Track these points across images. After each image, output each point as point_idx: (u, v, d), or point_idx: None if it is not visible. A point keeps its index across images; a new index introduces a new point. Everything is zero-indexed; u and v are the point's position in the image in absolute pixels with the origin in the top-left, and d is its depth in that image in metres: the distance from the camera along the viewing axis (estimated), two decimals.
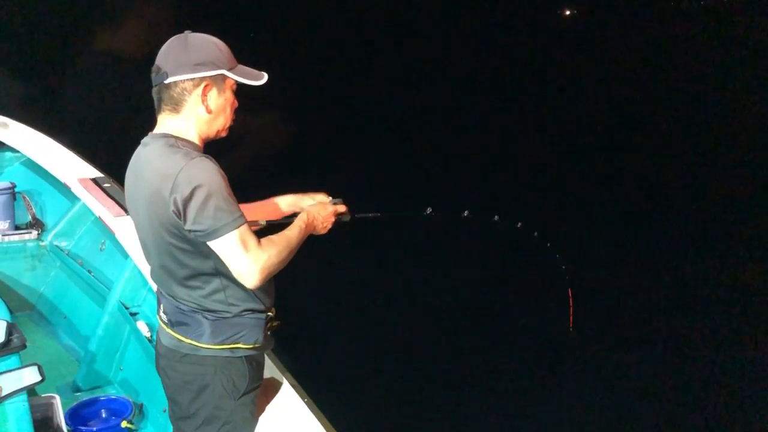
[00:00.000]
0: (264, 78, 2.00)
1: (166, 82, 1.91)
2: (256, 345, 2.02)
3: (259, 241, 1.85)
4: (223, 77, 1.95)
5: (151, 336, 3.21)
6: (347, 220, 2.23)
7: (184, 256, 1.90)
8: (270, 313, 2.06)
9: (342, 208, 2.22)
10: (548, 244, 2.70)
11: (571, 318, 2.79)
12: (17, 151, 4.96)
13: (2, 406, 2.12)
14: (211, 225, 1.78)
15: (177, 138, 1.93)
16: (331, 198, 2.24)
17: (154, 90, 1.96)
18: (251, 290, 1.96)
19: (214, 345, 1.97)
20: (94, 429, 3.03)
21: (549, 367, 5.88)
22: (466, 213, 2.45)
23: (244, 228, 1.82)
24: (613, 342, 6.41)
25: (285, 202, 2.33)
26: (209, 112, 1.95)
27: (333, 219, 2.18)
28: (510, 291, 7.18)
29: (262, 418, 2.15)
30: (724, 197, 10.83)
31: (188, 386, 2.02)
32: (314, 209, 2.15)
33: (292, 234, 1.98)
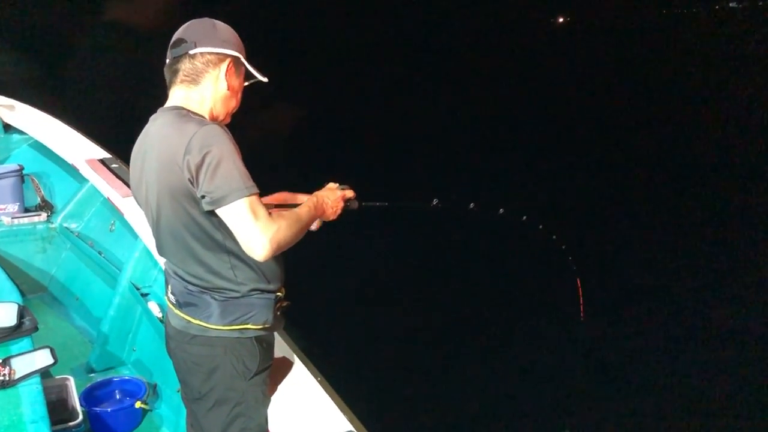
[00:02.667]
0: (266, 79, 2.07)
1: (191, 51, 1.93)
2: (266, 325, 2.00)
3: (269, 213, 1.81)
4: (241, 62, 2.01)
5: (162, 316, 3.20)
6: (355, 208, 2.22)
7: (196, 228, 1.88)
8: (279, 294, 2.04)
9: (350, 194, 2.21)
10: (554, 237, 2.70)
11: (581, 308, 2.77)
12: (24, 134, 4.94)
13: (15, 389, 2.12)
14: (220, 190, 1.75)
15: (188, 110, 1.93)
16: (338, 184, 2.22)
17: (171, 62, 1.97)
18: (260, 269, 1.94)
19: (223, 326, 1.95)
20: (109, 410, 3.04)
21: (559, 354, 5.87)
22: (471, 205, 2.43)
23: (255, 198, 1.78)
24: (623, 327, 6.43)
25: (296, 198, 2.30)
26: (229, 88, 1.98)
27: (342, 204, 2.16)
28: (519, 285, 7.17)
29: (275, 397, 2.14)
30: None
31: (198, 368, 2.01)
32: (323, 193, 2.14)
33: (301, 212, 1.95)
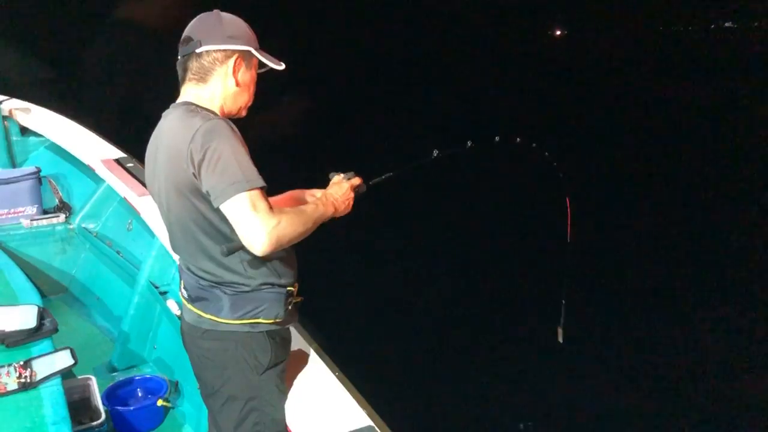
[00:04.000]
0: (282, 65, 2.03)
1: (197, 51, 1.93)
2: (277, 320, 1.98)
3: (271, 207, 1.78)
4: (251, 55, 1.99)
5: (181, 314, 3.21)
6: (364, 191, 2.18)
7: (205, 222, 1.87)
8: (292, 288, 2.02)
9: (357, 181, 2.17)
10: (546, 153, 2.70)
11: (569, 228, 2.74)
12: (41, 136, 4.97)
13: (37, 391, 2.13)
14: (221, 185, 1.74)
15: (198, 106, 1.93)
16: (342, 174, 2.18)
17: (181, 60, 1.98)
18: (271, 264, 1.93)
19: (234, 320, 1.94)
20: (131, 408, 3.06)
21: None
22: (469, 144, 2.44)
23: (257, 192, 1.75)
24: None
25: (307, 194, 2.27)
26: (238, 85, 1.98)
27: (352, 195, 2.13)
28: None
29: (293, 392, 2.13)
30: None
31: (211, 363, 2.01)
32: (331, 190, 2.11)
33: (307, 209, 1.92)
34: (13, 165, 4.96)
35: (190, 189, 1.83)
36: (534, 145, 2.64)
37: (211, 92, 1.96)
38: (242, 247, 1.81)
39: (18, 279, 3.10)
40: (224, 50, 1.94)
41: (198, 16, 1.99)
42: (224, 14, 1.99)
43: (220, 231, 1.87)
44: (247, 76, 2.00)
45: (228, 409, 2.01)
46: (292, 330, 2.31)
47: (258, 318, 1.95)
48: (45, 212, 4.42)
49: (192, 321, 2.03)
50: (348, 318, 5.87)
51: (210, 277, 1.94)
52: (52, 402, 2.08)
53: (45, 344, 2.41)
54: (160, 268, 3.53)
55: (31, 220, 4.30)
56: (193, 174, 1.78)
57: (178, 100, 1.99)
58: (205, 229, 1.89)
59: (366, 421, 2.05)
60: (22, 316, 2.50)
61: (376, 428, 2.02)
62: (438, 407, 5.05)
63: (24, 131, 5.07)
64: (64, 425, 1.98)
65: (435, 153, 2.33)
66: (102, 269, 4.25)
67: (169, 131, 1.90)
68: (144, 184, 3.76)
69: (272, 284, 1.96)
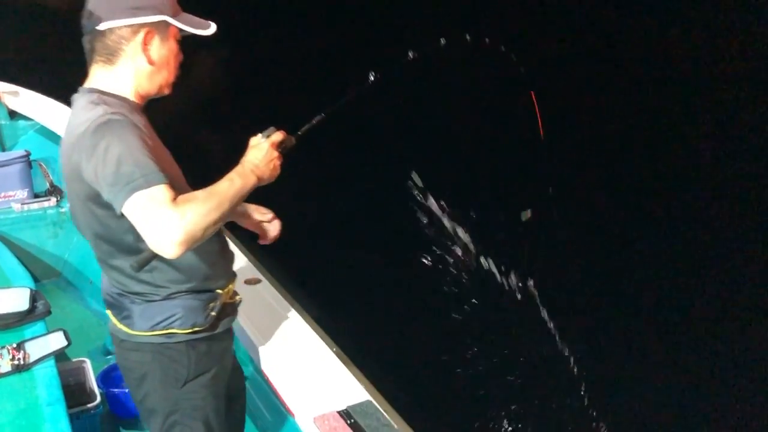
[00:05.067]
0: (211, 28, 1.74)
1: (99, 28, 1.65)
2: (195, 329, 1.81)
3: (174, 199, 1.49)
4: (166, 24, 1.70)
5: None
6: (293, 144, 1.82)
7: (107, 231, 1.70)
8: (219, 291, 1.85)
9: (279, 136, 1.78)
10: (502, 48, 2.17)
11: (540, 125, 2.44)
12: (30, 119, 4.92)
13: (30, 373, 2.12)
14: (115, 187, 1.50)
15: (103, 93, 1.69)
16: (260, 134, 1.79)
17: (85, 39, 1.71)
18: (182, 269, 1.75)
19: (146, 332, 1.78)
20: (126, 390, 3.03)
21: None
22: (411, 55, 1.94)
23: (156, 189, 1.48)
24: None
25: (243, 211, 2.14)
26: (151, 63, 1.71)
27: (276, 153, 1.76)
28: None
29: (293, 368, 2.11)
30: None
31: (130, 373, 1.88)
32: (249, 156, 1.74)
33: (219, 187, 1.60)
34: (3, 149, 4.91)
35: (88, 195, 1.64)
36: (488, 40, 2.13)
37: (120, 75, 1.70)
38: (153, 257, 1.61)
39: (10, 263, 3.08)
40: (130, 25, 1.66)
41: None
42: None
43: (124, 240, 1.70)
44: (163, 50, 1.71)
45: (152, 422, 1.90)
46: (287, 307, 2.29)
47: (172, 328, 1.78)
48: (36, 196, 4.37)
49: (111, 327, 1.89)
50: (343, 291, 5.85)
51: (118, 285, 1.80)
52: (46, 383, 2.07)
53: (38, 326, 2.40)
54: None
55: (22, 204, 4.26)
56: (89, 179, 1.58)
57: (86, 84, 1.75)
58: (107, 238, 1.72)
59: (364, 395, 2.04)
60: (14, 299, 2.48)
61: (375, 402, 2.02)
62: (441, 383, 5.05)
63: (13, 115, 5.02)
64: (58, 406, 1.97)
65: (371, 76, 1.91)
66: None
67: (70, 127, 1.68)
68: None
69: (187, 291, 1.78)
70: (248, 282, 2.63)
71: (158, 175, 1.49)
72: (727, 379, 4.98)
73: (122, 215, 1.54)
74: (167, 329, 1.78)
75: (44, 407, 1.96)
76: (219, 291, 1.85)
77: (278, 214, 2.14)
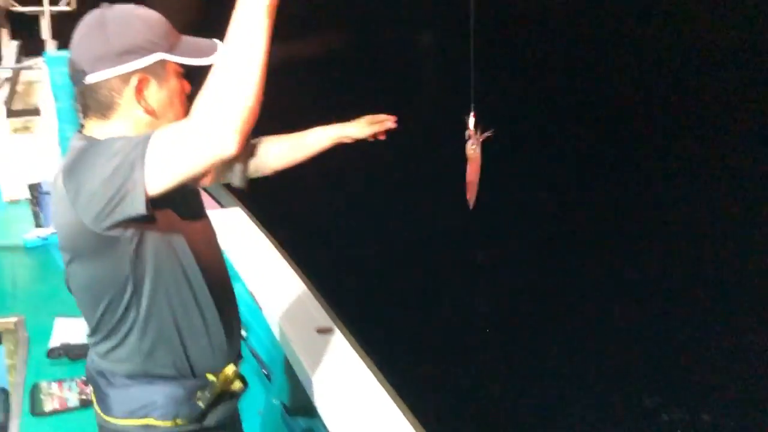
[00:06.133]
0: (216, 50, 1.41)
1: (86, 82, 1.39)
2: (178, 422, 1.49)
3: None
4: (163, 63, 1.42)
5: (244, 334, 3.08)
6: None
7: (81, 289, 1.48)
8: (207, 377, 1.52)
9: None
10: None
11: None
12: None
13: None
14: (108, 186, 1.24)
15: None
16: None
17: (76, 92, 1.45)
18: (160, 340, 1.46)
19: (121, 419, 1.49)
20: None
21: None
22: None
23: (155, 134, 1.24)
24: None
25: (323, 135, 1.89)
26: (150, 113, 1.43)
27: None
28: None
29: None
30: None
31: None
32: None
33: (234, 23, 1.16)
34: None
35: (71, 243, 1.40)
36: None
37: (117, 130, 1.42)
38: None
39: None
40: (119, 75, 1.39)
41: (80, 23, 1.44)
42: (109, 13, 1.40)
43: (92, 307, 1.45)
44: (162, 93, 1.43)
45: None
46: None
47: (149, 418, 1.48)
48: None
49: (94, 407, 1.59)
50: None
51: (97, 362, 1.52)
52: None
53: None
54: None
55: None
56: (78, 213, 1.30)
57: (84, 131, 1.48)
58: (81, 301, 1.49)
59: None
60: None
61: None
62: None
63: None
64: None
65: None
66: None
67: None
68: (213, 198, 3.67)
69: (167, 377, 1.48)
70: (320, 331, 2.45)
71: (147, 134, 1.25)
72: None
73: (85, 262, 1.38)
74: (144, 419, 1.48)
75: None
76: (210, 377, 1.53)
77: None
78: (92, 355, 1.54)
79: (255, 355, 2.64)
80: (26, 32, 6.35)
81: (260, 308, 2.59)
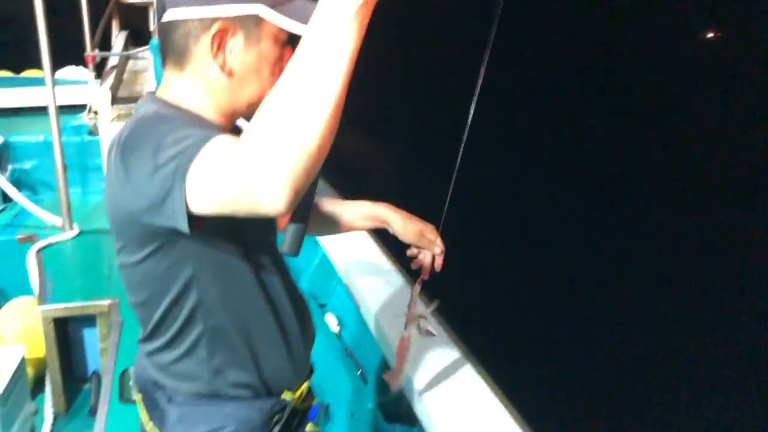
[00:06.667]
0: None
1: (163, 20, 1.14)
2: None
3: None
4: (257, 19, 1.12)
5: (339, 331, 2.96)
6: None
7: (134, 285, 1.24)
8: (283, 398, 1.31)
9: None
10: None
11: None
12: None
13: None
14: (160, 171, 0.97)
15: (168, 104, 1.17)
16: None
17: (159, 32, 1.20)
18: (244, 349, 1.24)
19: None
20: None
21: None
22: None
23: (209, 145, 0.93)
24: None
25: (362, 217, 1.63)
26: (228, 73, 1.14)
27: None
28: None
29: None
30: None
31: None
32: None
33: (292, 63, 0.86)
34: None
35: (127, 229, 1.14)
36: None
37: (189, 86, 1.16)
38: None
39: None
40: (200, 19, 1.11)
41: None
42: None
43: (161, 309, 1.20)
44: (249, 56, 1.13)
45: None
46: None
47: None
48: None
49: (141, 416, 1.34)
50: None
51: (152, 372, 1.29)
52: None
53: None
54: (321, 278, 3.31)
55: None
56: (127, 205, 1.06)
57: (157, 91, 1.23)
58: (140, 296, 1.23)
59: None
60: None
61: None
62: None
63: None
64: None
65: None
66: None
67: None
68: None
69: (240, 398, 1.26)
70: (423, 332, 2.25)
71: (212, 133, 0.96)
72: None
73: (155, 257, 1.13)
74: None
75: None
76: (287, 397, 1.32)
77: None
78: (144, 362, 1.30)
79: (350, 355, 2.50)
80: (137, 22, 6.50)
81: (356, 304, 2.45)
